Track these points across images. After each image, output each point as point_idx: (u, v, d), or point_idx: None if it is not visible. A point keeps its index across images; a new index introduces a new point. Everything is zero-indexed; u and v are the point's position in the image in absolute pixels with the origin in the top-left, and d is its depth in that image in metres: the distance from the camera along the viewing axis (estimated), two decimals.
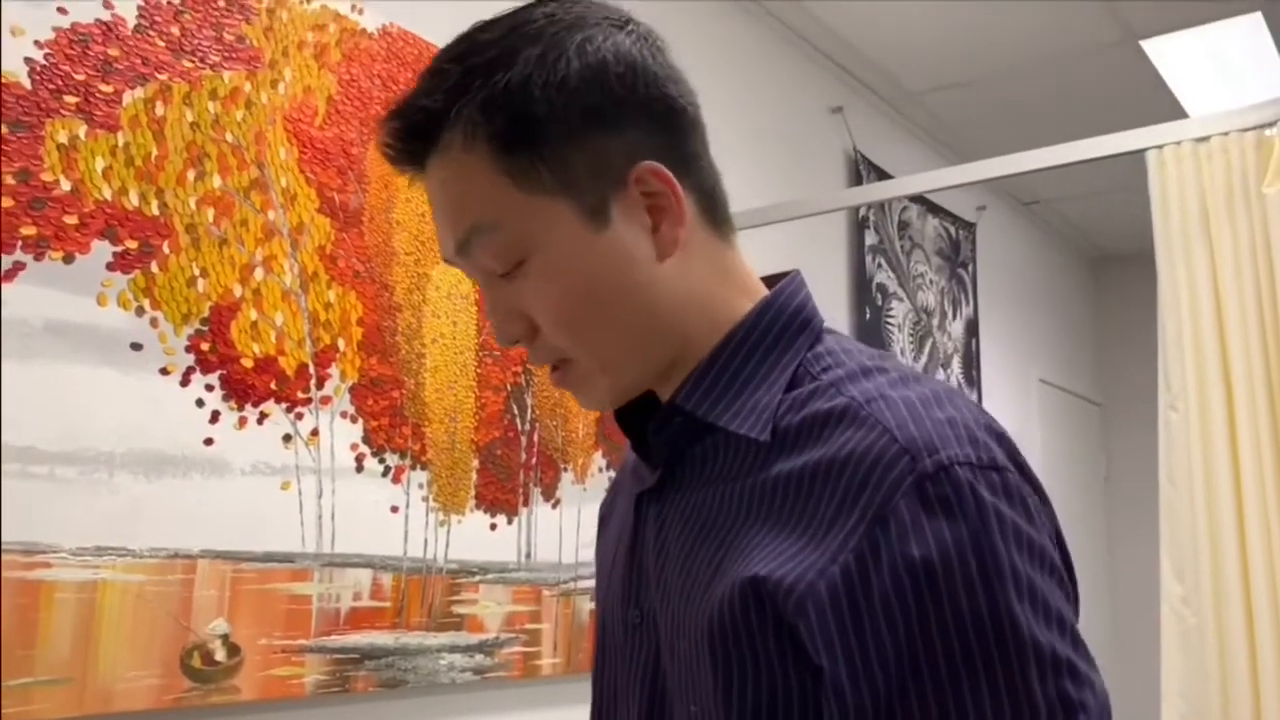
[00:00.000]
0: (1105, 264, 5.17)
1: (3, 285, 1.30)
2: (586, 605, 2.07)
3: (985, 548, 0.58)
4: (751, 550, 0.65)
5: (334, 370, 1.67)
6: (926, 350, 3.46)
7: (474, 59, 0.67)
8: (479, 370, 1.92)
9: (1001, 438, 0.64)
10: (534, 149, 0.67)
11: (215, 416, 1.50)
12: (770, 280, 0.78)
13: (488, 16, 0.71)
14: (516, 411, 1.99)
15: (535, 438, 2.02)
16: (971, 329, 3.79)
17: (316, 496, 1.62)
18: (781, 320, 0.73)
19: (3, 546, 1.26)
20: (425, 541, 1.78)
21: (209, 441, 1.49)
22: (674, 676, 0.70)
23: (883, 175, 3.28)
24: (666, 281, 0.71)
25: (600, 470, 2.16)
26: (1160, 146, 1.89)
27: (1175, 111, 3.33)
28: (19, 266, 1.32)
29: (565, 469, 2.08)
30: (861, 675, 0.58)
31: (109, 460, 1.38)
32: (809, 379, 0.70)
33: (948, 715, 0.56)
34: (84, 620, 1.32)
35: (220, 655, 1.45)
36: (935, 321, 3.54)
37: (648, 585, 0.74)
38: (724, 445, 0.71)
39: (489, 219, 0.69)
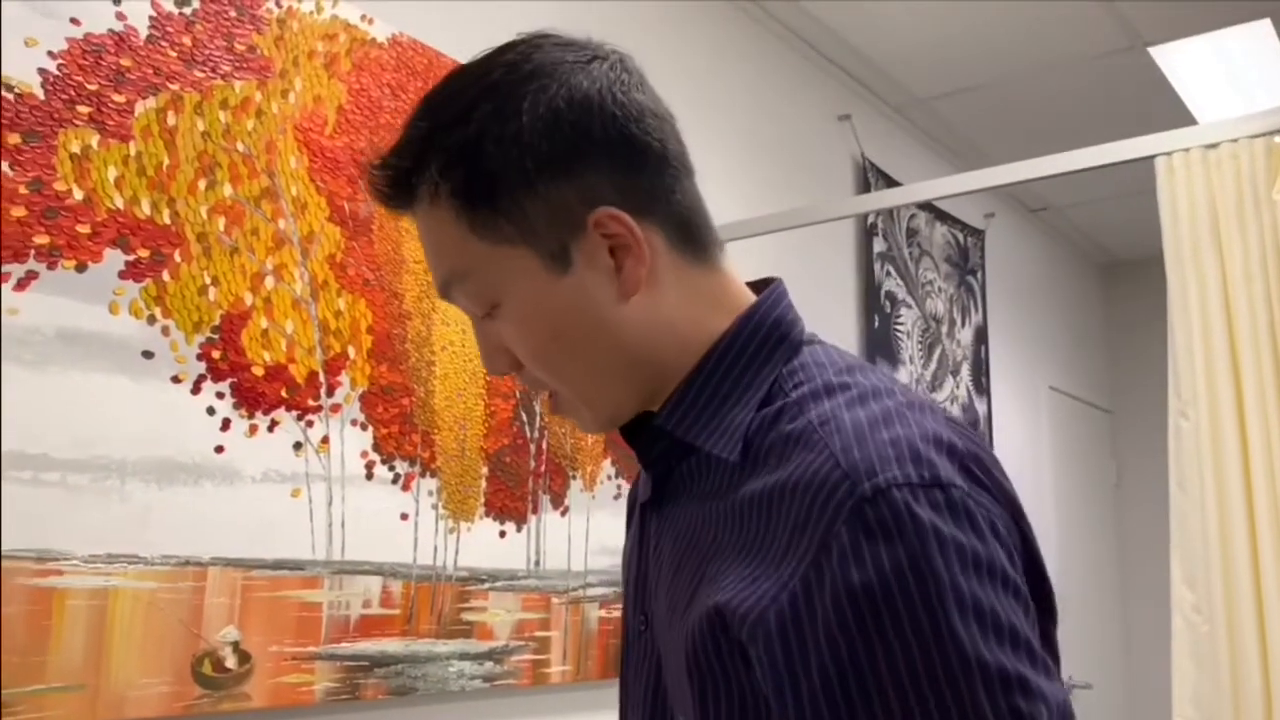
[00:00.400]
0: (1114, 270, 5.16)
1: (17, 294, 1.31)
2: (595, 613, 2.07)
3: (925, 569, 0.58)
4: (721, 575, 0.66)
5: (344, 378, 1.67)
6: (935, 358, 3.46)
7: (437, 116, 0.71)
8: (488, 378, 1.92)
9: (954, 452, 0.64)
10: (492, 202, 0.70)
11: (226, 424, 1.51)
12: (758, 287, 0.80)
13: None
14: (525, 419, 1.99)
15: (544, 445, 2.03)
16: (981, 336, 3.79)
17: (327, 504, 1.62)
18: (759, 336, 0.74)
19: (15, 554, 1.27)
20: (435, 549, 1.78)
21: (220, 449, 1.50)
22: (670, 688, 0.73)
23: (891, 182, 3.28)
24: (633, 318, 0.73)
25: (609, 478, 2.16)
26: (1169, 153, 1.89)
27: (1184, 118, 3.33)
28: (32, 275, 1.32)
29: (574, 477, 2.08)
30: (807, 704, 0.59)
31: (120, 468, 1.38)
32: (781, 395, 0.71)
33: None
34: (96, 627, 1.33)
35: (231, 662, 1.45)
36: (944, 329, 3.54)
37: (650, 593, 0.78)
38: (705, 464, 0.73)
39: (460, 268, 0.72)
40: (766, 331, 0.75)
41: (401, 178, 0.72)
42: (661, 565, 0.75)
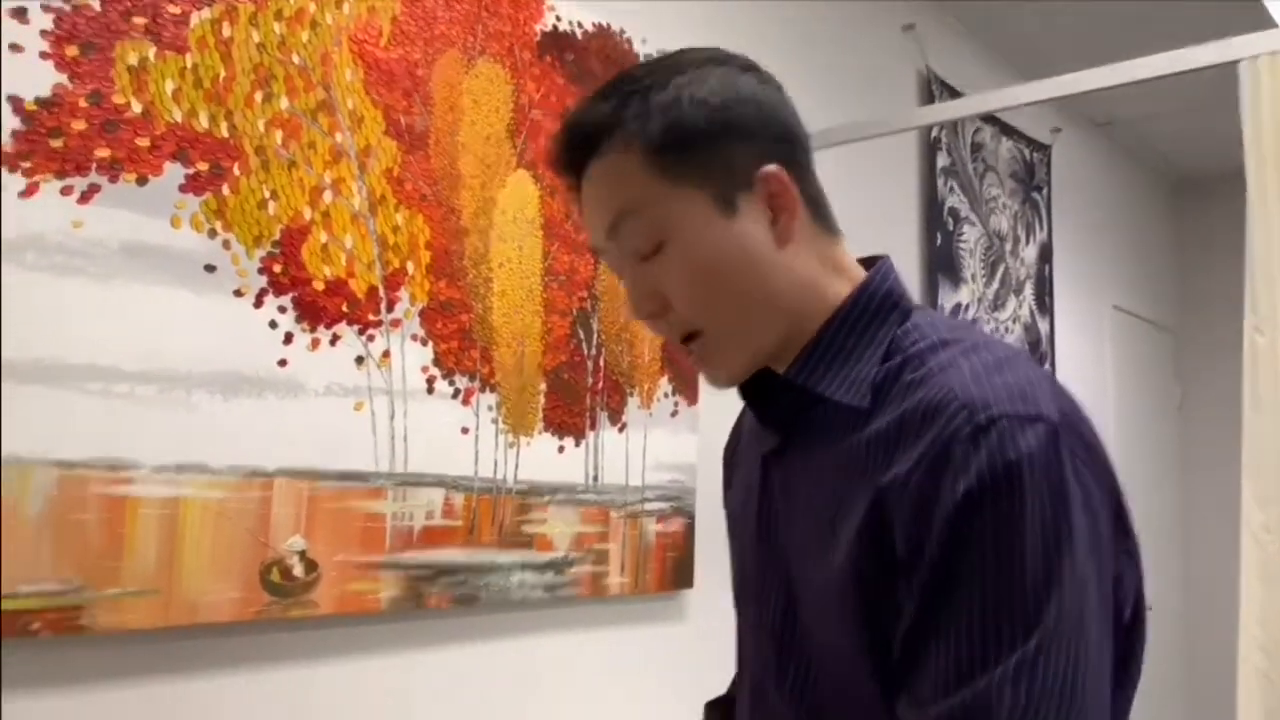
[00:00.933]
0: (1184, 187, 5.00)
1: (81, 207, 1.32)
2: (653, 528, 2.08)
3: (1015, 486, 0.71)
4: (858, 497, 0.79)
5: (403, 293, 1.68)
6: (998, 276, 3.39)
7: (633, 85, 0.84)
8: (545, 295, 1.91)
9: (1053, 397, 0.77)
10: (680, 151, 0.82)
11: (289, 338, 1.52)
12: (867, 263, 0.92)
13: None
14: (583, 336, 1.99)
15: (601, 362, 2.02)
16: (1045, 254, 3.70)
17: (389, 417, 1.64)
18: (875, 302, 0.87)
19: (89, 462, 1.30)
20: (495, 462, 1.80)
21: (283, 363, 1.51)
22: (803, 606, 0.86)
23: (956, 95, 3.18)
24: (782, 266, 0.85)
25: (666, 396, 2.15)
26: (1254, 57, 1.80)
27: (1264, 23, 3.17)
28: (95, 189, 1.33)
29: (631, 394, 2.08)
30: (916, 590, 0.74)
31: (186, 380, 1.40)
32: (899, 351, 0.83)
33: (963, 600, 0.72)
34: (167, 535, 1.36)
35: (299, 571, 1.49)
36: (1008, 247, 3.46)
37: (777, 528, 0.91)
38: (832, 412, 0.85)
39: (636, 205, 0.83)
40: (881, 299, 0.87)
41: (596, 130, 0.84)
42: (793, 503, 0.88)
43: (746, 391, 0.94)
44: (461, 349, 1.76)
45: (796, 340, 0.87)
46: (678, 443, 2.17)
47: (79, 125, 1.32)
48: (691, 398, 2.20)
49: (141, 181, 1.38)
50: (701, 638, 2.18)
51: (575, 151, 0.85)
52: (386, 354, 1.65)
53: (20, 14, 1.28)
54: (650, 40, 2.14)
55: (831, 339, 0.86)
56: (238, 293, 1.47)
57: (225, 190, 1.46)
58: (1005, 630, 0.70)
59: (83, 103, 1.33)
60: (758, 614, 0.94)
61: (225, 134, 1.46)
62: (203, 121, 1.44)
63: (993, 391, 0.75)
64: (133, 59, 1.37)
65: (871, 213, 2.82)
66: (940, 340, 0.83)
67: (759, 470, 0.94)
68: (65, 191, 1.31)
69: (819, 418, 0.86)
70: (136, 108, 1.38)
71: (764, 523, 0.93)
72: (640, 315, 0.88)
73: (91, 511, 1.30)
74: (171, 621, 1.36)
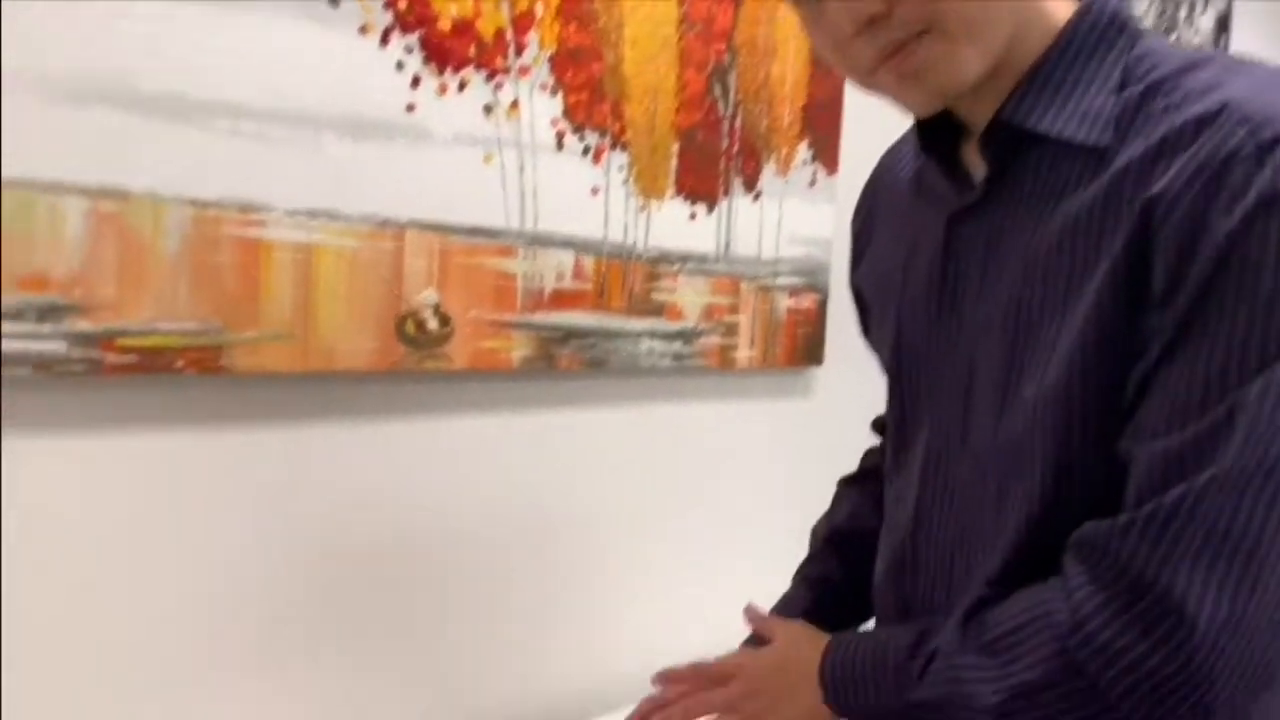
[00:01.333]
0: None
1: None
2: (784, 302, 2.01)
3: None
4: (1106, 238, 0.70)
5: (532, 38, 1.56)
6: None
7: None
8: (680, 45, 1.78)
9: None
10: None
11: (416, 81, 1.43)
12: None
13: None
14: (719, 94, 1.85)
15: (737, 124, 1.89)
16: (1223, 23, 3.33)
17: (519, 171, 1.56)
18: (1102, 24, 0.77)
19: (220, 202, 1.26)
20: (625, 226, 1.72)
21: (410, 108, 1.43)
22: (1014, 371, 0.78)
23: None
24: None
25: (805, 163, 2.03)
26: None
27: None
28: None
29: (767, 160, 1.96)
30: (1171, 303, 0.67)
31: (315, 121, 1.34)
32: (1137, 80, 0.74)
33: (1213, 328, 0.66)
34: (302, 281, 1.33)
35: (432, 324, 1.46)
36: (1182, 14, 3.12)
37: (966, 295, 0.83)
38: (1056, 154, 0.76)
39: None
40: (1109, 19, 0.77)
41: None
42: (1000, 264, 0.79)
43: (928, 139, 0.85)
44: (592, 102, 1.66)
45: (1008, 69, 0.77)
46: (814, 214, 2.05)
47: None
48: (831, 166, 2.07)
49: None
50: (828, 415, 2.13)
51: None
52: (515, 104, 1.55)
53: None
54: None
55: (1053, 68, 0.76)
56: (363, 29, 1.38)
57: None
58: (1254, 352, 0.65)
59: None
60: (943, 388, 0.87)
61: None
62: None
63: (1276, 105, 0.66)
64: None
65: None
66: (1188, 62, 0.73)
67: (942, 233, 0.86)
68: None
69: (1036, 162, 0.77)
70: None
71: (948, 291, 0.85)
72: (858, 22, 0.74)
73: (226, 253, 1.27)
74: (310, 366, 1.35)
